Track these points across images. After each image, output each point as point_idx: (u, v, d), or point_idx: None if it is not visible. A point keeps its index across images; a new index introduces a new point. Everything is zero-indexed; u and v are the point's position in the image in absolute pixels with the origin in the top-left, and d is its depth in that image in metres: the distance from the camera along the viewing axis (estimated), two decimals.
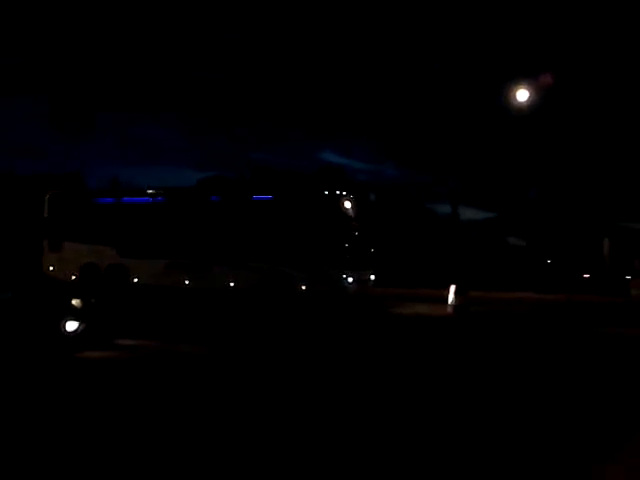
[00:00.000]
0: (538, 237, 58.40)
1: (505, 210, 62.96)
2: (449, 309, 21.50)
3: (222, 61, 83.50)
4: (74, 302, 11.96)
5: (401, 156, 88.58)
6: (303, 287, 21.78)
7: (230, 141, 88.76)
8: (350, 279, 22.07)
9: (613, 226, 48.81)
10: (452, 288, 21.79)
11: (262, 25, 72.62)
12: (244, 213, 23.21)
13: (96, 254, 24.74)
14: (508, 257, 56.04)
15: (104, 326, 12.92)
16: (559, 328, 18.20)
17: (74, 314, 11.81)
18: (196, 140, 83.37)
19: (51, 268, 24.84)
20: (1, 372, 9.67)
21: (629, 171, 49.04)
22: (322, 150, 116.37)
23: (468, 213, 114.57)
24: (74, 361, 11.07)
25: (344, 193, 23.20)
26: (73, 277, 24.51)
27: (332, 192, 22.69)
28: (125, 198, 25.49)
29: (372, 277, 24.21)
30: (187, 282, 23.31)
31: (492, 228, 62.34)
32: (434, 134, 69.69)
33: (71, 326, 11.77)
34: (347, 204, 23.14)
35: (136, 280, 23.92)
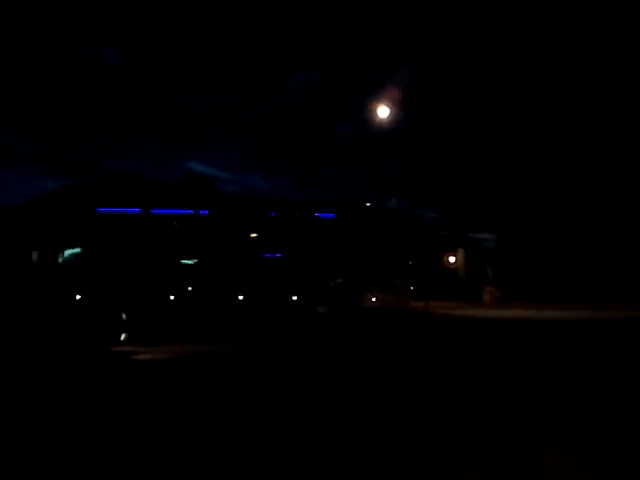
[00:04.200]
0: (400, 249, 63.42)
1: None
2: None
3: (80, 66, 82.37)
4: (123, 316, 14.40)
5: (268, 167, 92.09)
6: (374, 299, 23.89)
7: (89, 149, 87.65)
8: (412, 288, 24.75)
9: (466, 237, 54.45)
10: None
11: (118, 27, 72.84)
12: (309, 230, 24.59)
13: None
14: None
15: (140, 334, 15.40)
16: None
17: (123, 326, 14.28)
18: (53, 148, 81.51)
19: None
20: (84, 380, 11.32)
21: (478, 185, 54.84)
22: (189, 159, 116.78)
23: None
24: (135, 364, 13.49)
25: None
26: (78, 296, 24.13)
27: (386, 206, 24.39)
28: (155, 210, 24.85)
29: None
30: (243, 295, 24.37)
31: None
32: (299, 145, 73.36)
33: (122, 337, 14.25)
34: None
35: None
